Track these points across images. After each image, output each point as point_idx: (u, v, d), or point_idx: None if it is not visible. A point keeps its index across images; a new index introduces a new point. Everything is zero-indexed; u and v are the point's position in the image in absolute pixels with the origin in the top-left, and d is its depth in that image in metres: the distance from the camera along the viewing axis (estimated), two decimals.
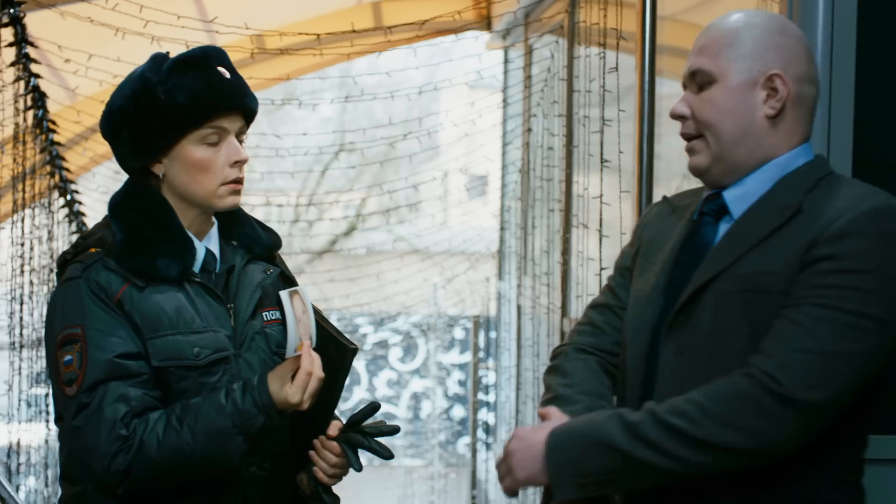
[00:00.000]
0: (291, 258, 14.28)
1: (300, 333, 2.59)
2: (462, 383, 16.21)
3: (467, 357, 16.17)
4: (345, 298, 12.33)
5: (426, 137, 8.25)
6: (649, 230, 2.53)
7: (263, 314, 2.73)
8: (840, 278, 2.14)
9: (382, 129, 8.78)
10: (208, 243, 2.70)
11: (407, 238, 14.72)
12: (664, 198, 2.60)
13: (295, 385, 2.55)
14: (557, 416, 2.34)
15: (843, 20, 3.10)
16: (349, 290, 11.98)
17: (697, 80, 2.36)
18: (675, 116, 2.39)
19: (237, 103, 2.64)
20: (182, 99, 2.57)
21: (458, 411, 16.17)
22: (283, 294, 2.60)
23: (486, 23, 8.31)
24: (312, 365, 2.56)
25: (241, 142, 2.67)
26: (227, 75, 2.63)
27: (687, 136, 2.39)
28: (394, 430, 2.71)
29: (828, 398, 2.11)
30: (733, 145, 2.32)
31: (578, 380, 2.48)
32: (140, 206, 2.63)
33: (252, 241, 2.77)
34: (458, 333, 16.12)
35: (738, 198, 2.34)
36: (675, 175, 5.18)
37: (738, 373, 2.14)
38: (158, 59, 2.63)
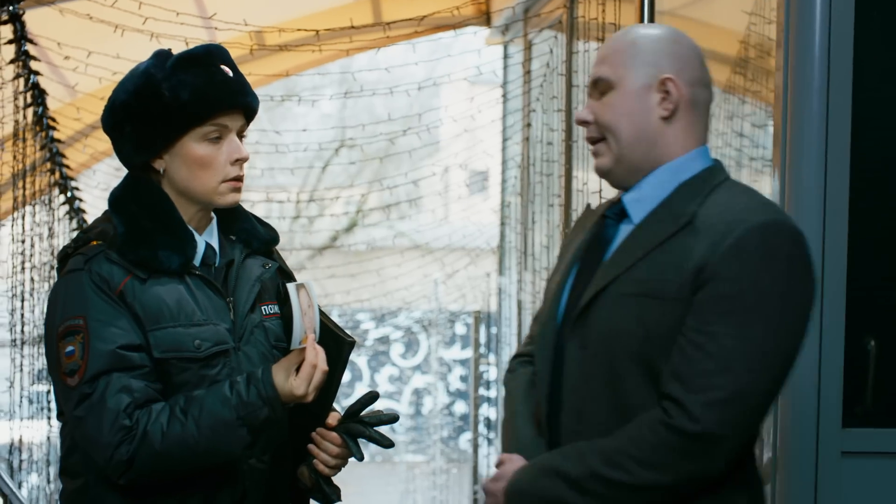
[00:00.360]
0: (293, 254, 14.29)
1: (305, 326, 2.60)
2: (464, 379, 16.21)
3: (468, 352, 16.16)
4: (345, 294, 12.32)
5: (426, 133, 8.24)
6: (569, 236, 2.73)
7: (262, 308, 2.75)
8: (740, 303, 2.29)
9: (382, 125, 8.76)
10: (208, 237, 2.72)
11: (407, 234, 14.71)
12: (587, 205, 2.79)
13: (300, 377, 2.57)
14: (509, 461, 2.54)
15: (840, 15, 3.10)
16: (350, 286, 11.98)
17: (599, 88, 2.52)
18: (580, 122, 2.56)
19: (239, 101, 2.65)
20: (186, 96, 2.58)
21: (460, 407, 16.18)
22: (291, 287, 2.61)
23: (485, 18, 8.30)
24: (317, 357, 2.58)
25: (241, 140, 2.69)
26: (230, 73, 2.65)
27: (591, 140, 2.55)
28: (393, 419, 2.72)
29: (744, 429, 2.33)
30: (632, 146, 2.48)
31: (520, 404, 2.67)
32: (140, 200, 2.64)
33: (250, 235, 2.79)
34: (460, 329, 16.12)
35: (636, 201, 2.50)
36: None
37: (658, 420, 2.32)
38: (162, 56, 2.64)
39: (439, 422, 14.97)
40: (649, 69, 2.47)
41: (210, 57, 2.64)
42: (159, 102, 2.59)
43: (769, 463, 3.25)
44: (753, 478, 2.50)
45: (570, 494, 2.38)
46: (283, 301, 2.79)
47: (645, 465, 2.32)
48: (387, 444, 2.69)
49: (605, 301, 2.43)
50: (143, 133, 2.62)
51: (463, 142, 10.29)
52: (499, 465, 2.57)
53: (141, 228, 2.60)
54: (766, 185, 4.18)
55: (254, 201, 9.64)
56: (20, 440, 6.52)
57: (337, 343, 2.65)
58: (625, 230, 2.51)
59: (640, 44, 2.50)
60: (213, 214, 2.74)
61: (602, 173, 2.56)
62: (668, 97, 2.47)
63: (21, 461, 6.52)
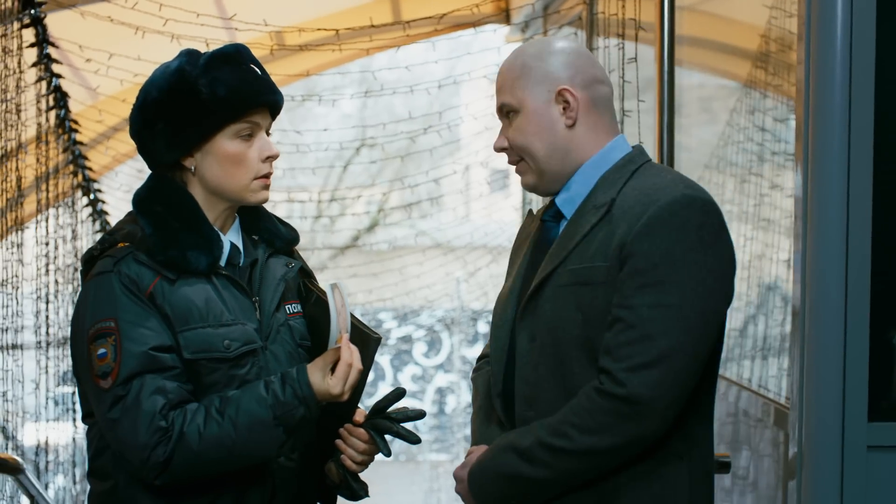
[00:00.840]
0: (315, 254, 14.28)
1: (340, 326, 2.61)
2: None
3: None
4: (368, 294, 12.31)
5: (447, 131, 8.23)
6: (515, 243, 2.89)
7: (286, 307, 2.75)
8: (654, 275, 2.47)
9: (403, 125, 8.76)
10: (232, 237, 2.72)
11: (429, 232, 14.70)
12: (529, 210, 2.93)
13: (336, 376, 2.58)
14: (476, 451, 2.70)
15: (862, 7, 3.09)
16: (372, 286, 11.97)
17: (505, 114, 2.68)
18: (497, 150, 2.73)
19: (270, 99, 2.67)
20: (223, 92, 2.59)
21: None
22: (326, 287, 2.63)
23: (504, 15, 8.28)
24: (352, 357, 2.60)
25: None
26: (259, 72, 2.66)
27: (512, 162, 2.73)
28: (419, 415, 2.73)
29: (670, 389, 2.47)
30: (547, 159, 2.65)
31: (483, 400, 2.83)
32: (166, 200, 2.64)
33: (273, 235, 2.79)
34: (482, 327, 16.10)
35: (567, 201, 2.68)
36: (696, 165, 5.16)
37: (592, 387, 2.50)
38: (194, 55, 2.66)
39: (463, 420, 14.97)
40: (544, 85, 2.63)
41: (241, 56, 2.66)
42: (195, 99, 2.59)
43: (794, 458, 3.25)
44: (696, 451, 2.62)
45: (522, 465, 2.55)
46: (305, 300, 2.80)
47: (583, 429, 2.49)
48: (414, 440, 2.70)
49: (546, 294, 2.60)
50: (176, 130, 2.62)
51: (483, 140, 10.28)
52: (468, 454, 2.73)
53: (169, 229, 2.61)
54: (789, 179, 4.16)
55: (276, 201, 9.63)
56: (46, 442, 6.53)
57: (363, 340, 2.66)
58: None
59: (529, 64, 2.65)
60: (236, 214, 2.75)
61: (530, 189, 2.73)
62: (568, 106, 2.63)
63: (47, 462, 6.54)
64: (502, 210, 13.47)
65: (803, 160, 3.20)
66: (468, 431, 15.36)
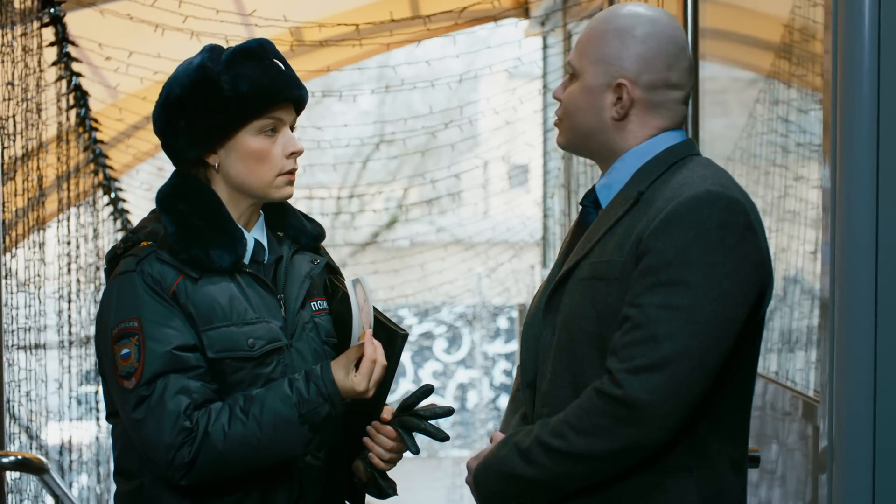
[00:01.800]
0: (335, 251, 14.28)
1: (363, 322, 2.59)
2: (507, 373, 16.17)
3: (511, 346, 16.14)
4: (388, 290, 12.31)
5: (466, 127, 8.21)
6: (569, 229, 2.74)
7: (312, 304, 2.74)
8: (666, 274, 2.34)
9: (421, 120, 8.76)
10: (257, 234, 2.70)
11: (449, 228, 14.69)
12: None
13: (360, 373, 2.56)
14: (494, 439, 2.61)
15: (890, 5, 3.06)
16: (392, 282, 11.96)
17: (570, 70, 2.57)
18: (555, 97, 2.62)
19: (294, 94, 2.65)
20: (245, 88, 2.57)
21: (504, 401, 16.13)
22: (348, 283, 2.61)
23: (523, 9, 8.26)
24: (376, 353, 2.58)
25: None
26: (283, 67, 2.64)
27: (557, 115, 2.62)
28: (448, 412, 2.71)
29: (672, 395, 2.33)
30: (582, 137, 2.56)
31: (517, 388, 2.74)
32: (189, 198, 2.63)
33: (298, 231, 2.77)
34: (503, 323, 16.09)
35: (605, 188, 2.56)
36: (717, 157, 5.13)
37: (593, 386, 2.39)
38: (216, 50, 2.64)
39: (485, 416, 14.95)
40: (608, 68, 2.49)
41: (264, 51, 2.64)
42: (218, 95, 2.57)
43: (825, 453, 3.22)
44: (708, 465, 2.48)
45: (520, 464, 2.46)
46: (331, 297, 2.78)
47: (580, 431, 2.38)
48: (442, 437, 2.68)
49: (567, 288, 2.51)
50: (199, 127, 2.60)
51: (503, 135, 10.26)
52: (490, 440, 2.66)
53: (192, 227, 2.59)
54: (815, 171, 4.13)
55: (296, 198, 9.62)
56: (70, 441, 6.54)
57: (389, 336, 2.64)
58: None
59: (608, 39, 2.49)
60: (260, 211, 2.73)
61: (560, 146, 2.65)
62: (621, 101, 2.49)
63: (71, 462, 6.55)
64: (522, 205, 13.44)
65: (831, 151, 3.17)
66: (490, 427, 15.35)
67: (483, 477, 2.54)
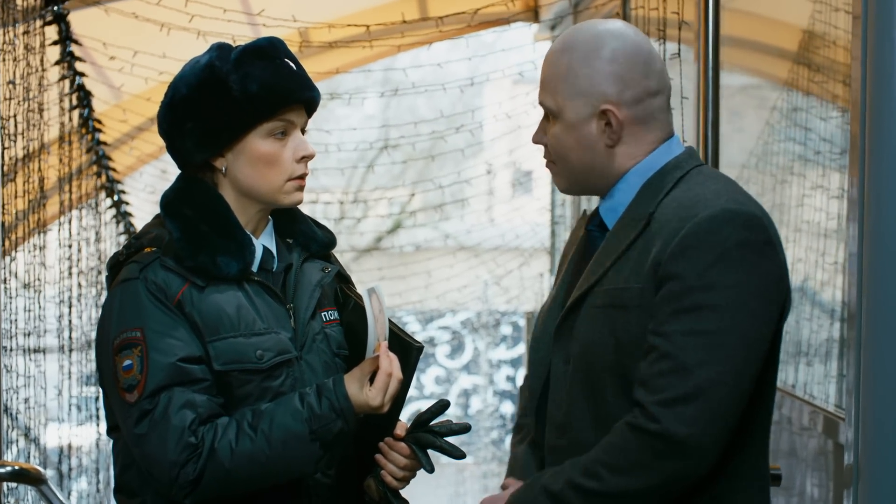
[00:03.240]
0: (339, 256, 14.22)
1: (378, 333, 2.50)
2: (511, 379, 16.16)
3: (514, 352, 16.12)
4: (394, 297, 12.27)
5: (472, 132, 8.16)
6: (565, 248, 2.68)
7: (322, 314, 2.64)
8: (689, 299, 2.26)
9: (426, 125, 8.70)
10: (265, 241, 2.61)
11: (453, 235, 14.67)
12: (584, 212, 2.72)
13: (375, 387, 2.46)
14: (512, 488, 2.49)
15: None
16: (396, 288, 11.92)
17: (545, 113, 2.48)
18: (535, 143, 2.52)
19: (306, 96, 2.55)
20: (255, 89, 2.47)
21: (507, 407, 16.13)
22: (363, 292, 2.52)
23: (533, 13, 8.19)
24: (391, 366, 2.48)
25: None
26: (294, 67, 2.54)
27: (547, 158, 2.52)
28: (464, 429, 2.61)
29: (710, 425, 2.26)
30: (582, 174, 2.47)
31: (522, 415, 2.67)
32: (195, 203, 2.53)
33: (309, 238, 2.68)
34: (505, 329, 16.08)
35: (610, 210, 2.47)
36: (735, 166, 5.06)
37: (625, 421, 2.30)
38: (225, 48, 2.54)
39: (489, 424, 14.93)
40: (587, 99, 2.40)
41: (275, 49, 2.54)
42: (227, 96, 2.48)
43: (849, 470, 3.15)
44: (735, 486, 2.41)
45: None
46: (343, 306, 2.69)
47: (615, 469, 2.30)
48: (458, 455, 2.58)
49: (581, 315, 2.42)
50: (206, 129, 2.50)
51: (508, 141, 10.20)
52: (503, 488, 2.57)
53: (198, 233, 2.49)
54: (834, 180, 4.07)
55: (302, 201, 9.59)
56: (69, 446, 6.49)
57: (404, 348, 2.55)
58: None
59: (577, 69, 2.40)
60: (269, 217, 2.64)
61: (562, 191, 2.58)
62: (610, 126, 2.41)
63: (70, 469, 6.49)
64: (528, 212, 13.41)
65: (860, 160, 3.10)
66: (494, 435, 15.32)
67: None
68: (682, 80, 4.10)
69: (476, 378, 16.41)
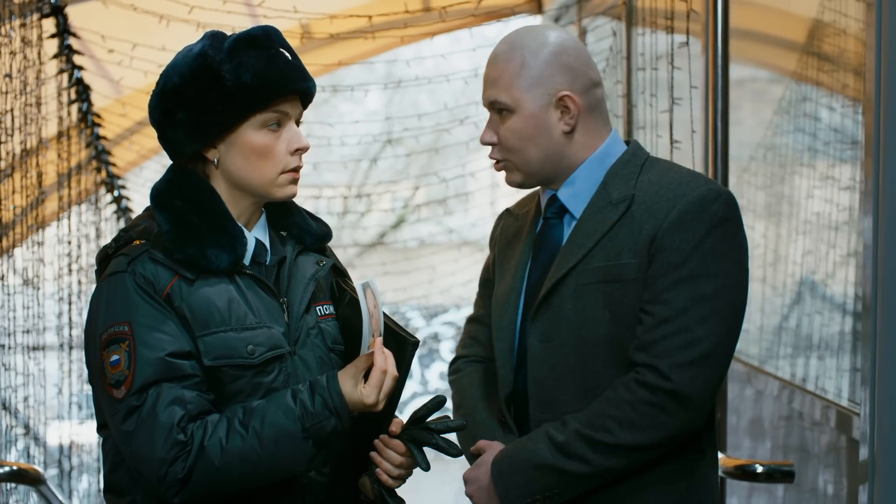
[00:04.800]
0: (343, 251, 14.20)
1: (372, 329, 2.45)
2: None
3: None
4: (398, 292, 12.24)
5: (474, 125, 8.12)
6: (500, 241, 2.83)
7: (317, 308, 2.59)
8: (687, 268, 2.48)
9: (429, 118, 8.67)
10: (258, 233, 2.56)
11: (457, 229, 14.64)
12: (506, 210, 2.89)
13: (370, 384, 2.41)
14: (489, 447, 2.65)
15: None
16: (398, 283, 11.90)
17: (497, 109, 2.62)
18: (484, 143, 2.66)
19: (301, 87, 2.49)
20: (248, 79, 2.41)
21: None
22: (358, 287, 2.46)
23: (536, 4, 8.15)
24: (386, 363, 2.43)
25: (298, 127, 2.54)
26: (289, 57, 2.48)
27: (495, 157, 2.66)
28: (461, 426, 2.58)
29: (712, 383, 2.50)
30: (539, 164, 2.62)
31: (478, 399, 2.79)
32: (185, 195, 2.47)
33: (303, 231, 2.62)
34: None
35: (572, 196, 2.64)
36: (741, 157, 5.01)
37: (632, 379, 2.49)
38: (218, 37, 2.47)
39: None
40: (543, 89, 2.58)
41: (269, 39, 2.48)
42: (219, 86, 2.41)
43: (864, 465, 3.12)
44: (711, 442, 2.66)
45: (558, 457, 2.51)
46: (338, 300, 2.64)
47: (625, 423, 2.48)
48: (455, 453, 2.53)
49: (565, 293, 2.57)
50: (198, 119, 2.44)
51: None
52: (476, 452, 2.68)
53: (188, 225, 2.43)
54: (846, 172, 4.02)
55: (304, 197, 9.57)
56: (70, 445, 6.46)
57: (399, 343, 2.49)
58: (570, 225, 2.65)
59: (528, 62, 2.58)
60: (262, 209, 2.58)
61: (516, 185, 2.68)
62: (568, 112, 2.59)
63: (71, 467, 6.46)
64: None
65: (874, 152, 3.08)
66: None
67: (508, 469, 2.56)
68: (690, 70, 4.05)
69: None
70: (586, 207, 2.61)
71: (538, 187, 2.75)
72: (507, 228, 2.83)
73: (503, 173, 2.70)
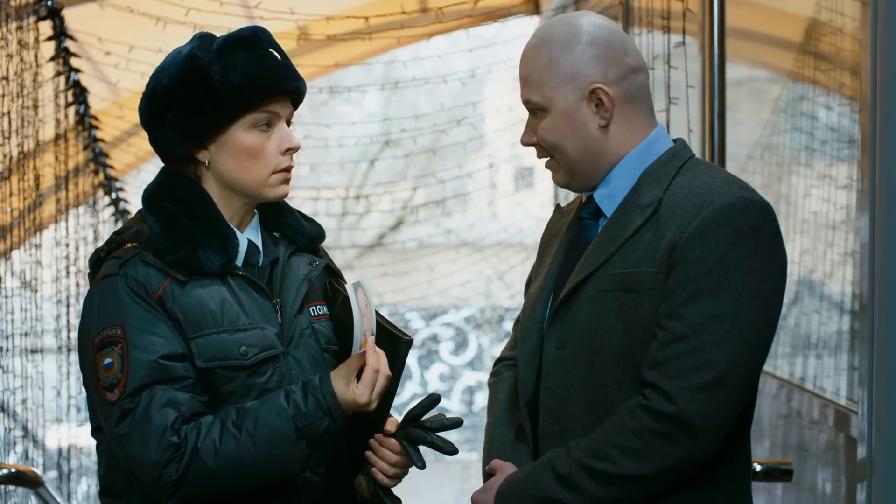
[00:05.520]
0: (342, 252, 14.18)
1: (364, 328, 2.44)
2: None
3: None
4: (397, 293, 12.24)
5: (472, 126, 8.12)
6: (543, 239, 2.71)
7: (310, 309, 2.59)
8: (706, 282, 2.30)
9: (429, 119, 8.67)
10: (250, 235, 2.55)
11: (455, 230, 14.64)
12: (557, 205, 2.75)
13: (362, 384, 2.41)
14: (500, 469, 2.53)
15: None
16: (398, 285, 11.90)
17: (531, 108, 2.50)
18: (525, 144, 2.55)
19: (291, 87, 2.49)
20: (237, 80, 2.41)
21: None
22: (349, 287, 2.45)
23: (534, 5, 8.15)
24: (379, 362, 2.43)
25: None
26: (279, 57, 2.48)
27: (541, 157, 2.55)
28: (456, 423, 2.56)
29: (724, 408, 2.30)
30: (580, 161, 2.47)
31: (501, 410, 2.68)
32: (177, 196, 2.47)
33: (295, 232, 2.62)
34: (509, 325, 16.04)
35: (606, 197, 2.49)
36: (741, 158, 5.01)
37: (637, 404, 2.32)
38: (207, 38, 2.48)
39: None
40: (575, 83, 2.44)
41: (258, 39, 2.48)
42: (208, 87, 2.41)
43: (863, 463, 3.12)
44: (735, 475, 2.46)
45: (560, 491, 2.37)
46: (332, 301, 2.64)
47: (628, 451, 2.32)
48: (450, 450, 2.52)
49: (582, 299, 2.44)
50: (188, 121, 2.44)
51: (509, 136, 10.16)
52: (489, 473, 2.57)
53: (179, 227, 2.43)
54: (842, 171, 4.01)
55: (302, 198, 9.58)
56: (69, 448, 6.46)
57: (393, 343, 2.49)
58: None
59: (557, 57, 2.45)
60: (255, 210, 2.58)
61: (562, 186, 2.58)
62: (602, 105, 2.45)
63: (70, 470, 6.46)
64: (531, 207, 13.38)
65: (870, 150, 3.07)
66: None
67: (511, 502, 2.44)
68: (686, 70, 4.05)
69: (480, 374, 16.37)
70: (616, 209, 2.47)
71: None
72: (552, 226, 2.71)
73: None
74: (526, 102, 2.51)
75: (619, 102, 2.45)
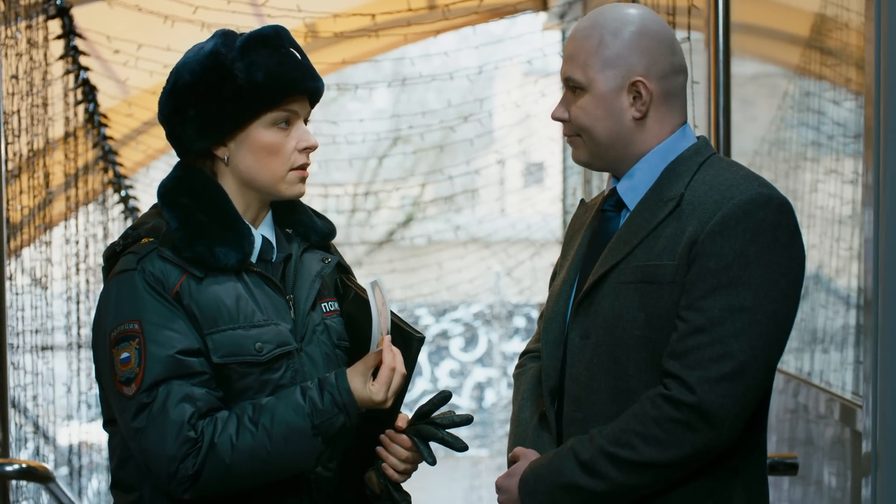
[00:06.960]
0: (351, 249, 14.19)
1: (381, 326, 2.46)
2: None
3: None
4: (405, 289, 12.23)
5: (480, 124, 8.12)
6: (568, 232, 2.75)
7: (322, 305, 2.60)
8: (727, 275, 2.35)
9: (438, 115, 8.65)
10: (264, 231, 2.57)
11: (464, 226, 14.63)
12: (581, 199, 2.80)
13: (378, 382, 2.43)
14: (524, 456, 2.56)
15: None
16: (409, 281, 11.90)
17: (570, 86, 2.54)
18: (555, 118, 2.59)
19: (311, 86, 2.51)
20: (261, 78, 2.43)
21: None
22: (367, 285, 2.48)
23: (541, 1, 8.14)
24: (395, 360, 2.45)
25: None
26: (299, 56, 2.50)
27: (567, 134, 2.59)
28: (466, 420, 2.58)
29: (743, 399, 2.35)
30: (607, 146, 2.52)
31: (526, 399, 2.71)
32: (193, 192, 2.48)
33: (308, 228, 2.63)
34: (519, 321, 16.04)
35: (630, 190, 2.54)
36: (747, 153, 5.01)
37: (658, 394, 2.37)
38: (230, 36, 2.49)
39: (504, 417, 14.88)
40: (618, 71, 2.48)
41: (280, 38, 2.49)
42: (231, 84, 2.43)
43: (867, 458, 3.12)
44: (752, 462, 2.50)
45: (582, 476, 2.41)
46: (343, 297, 2.65)
47: (648, 439, 2.37)
48: (460, 447, 2.54)
49: (605, 290, 2.48)
50: (210, 117, 2.45)
51: (518, 132, 10.15)
52: (513, 460, 2.60)
53: (196, 223, 2.45)
54: (848, 166, 4.01)
55: (312, 195, 9.58)
56: (79, 444, 6.48)
57: (406, 340, 2.51)
58: (625, 219, 2.58)
59: (607, 42, 2.48)
60: (269, 207, 2.59)
61: (580, 164, 2.62)
62: (640, 98, 2.49)
63: (81, 466, 6.47)
64: (539, 203, 13.36)
65: (874, 145, 3.08)
66: (508, 428, 15.26)
67: (534, 488, 2.47)
68: (692, 66, 4.06)
69: (490, 371, 16.38)
70: (639, 202, 2.52)
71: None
72: (577, 219, 2.74)
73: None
74: (567, 80, 2.54)
75: (656, 98, 2.49)
